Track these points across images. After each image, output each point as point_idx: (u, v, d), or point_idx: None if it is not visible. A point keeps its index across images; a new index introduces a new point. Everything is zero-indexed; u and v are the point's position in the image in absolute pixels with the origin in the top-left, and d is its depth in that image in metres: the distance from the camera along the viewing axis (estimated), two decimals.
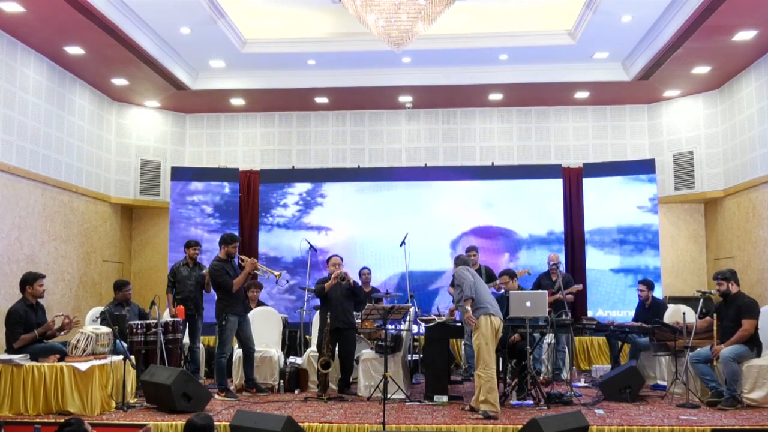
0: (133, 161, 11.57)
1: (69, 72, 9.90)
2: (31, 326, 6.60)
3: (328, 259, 7.94)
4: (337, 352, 7.58)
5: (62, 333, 6.89)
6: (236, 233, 10.35)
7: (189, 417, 4.40)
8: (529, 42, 9.70)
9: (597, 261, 10.87)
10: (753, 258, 9.76)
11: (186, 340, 8.25)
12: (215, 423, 5.73)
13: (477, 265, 8.81)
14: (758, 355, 6.81)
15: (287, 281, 10.76)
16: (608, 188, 10.95)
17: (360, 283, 9.36)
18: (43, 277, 6.91)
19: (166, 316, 8.01)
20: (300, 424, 5.36)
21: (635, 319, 8.36)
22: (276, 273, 7.69)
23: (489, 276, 8.71)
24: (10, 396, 6.24)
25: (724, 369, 6.64)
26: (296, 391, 7.64)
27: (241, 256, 7.62)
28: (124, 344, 6.94)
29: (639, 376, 7.13)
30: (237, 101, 11.56)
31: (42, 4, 7.64)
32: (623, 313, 10.34)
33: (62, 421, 4.22)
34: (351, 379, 7.72)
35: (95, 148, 10.80)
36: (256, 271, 7.61)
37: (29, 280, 6.78)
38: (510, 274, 7.80)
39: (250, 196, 11.74)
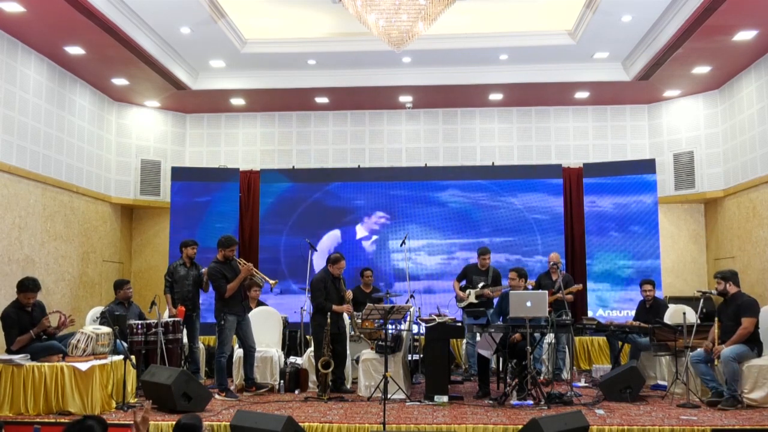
0: (134, 161, 11.57)
1: (69, 72, 9.90)
2: (25, 327, 6.59)
3: (335, 260, 7.65)
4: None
5: (61, 330, 6.89)
6: (234, 234, 10.36)
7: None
8: (529, 42, 9.71)
9: (597, 261, 10.86)
10: (753, 258, 9.76)
11: (185, 340, 8.25)
12: (216, 423, 5.75)
13: (486, 266, 8.82)
14: (759, 355, 6.81)
15: (281, 291, 10.75)
16: (608, 188, 10.95)
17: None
18: (34, 290, 6.69)
19: (166, 316, 8.01)
20: (300, 424, 5.35)
21: (636, 319, 8.35)
22: (271, 281, 7.70)
23: (495, 279, 8.71)
24: (10, 396, 6.24)
25: (724, 369, 6.64)
26: (296, 391, 7.64)
27: (240, 260, 7.61)
28: (124, 344, 6.94)
29: (639, 376, 7.13)
30: (237, 101, 11.56)
31: (42, 4, 7.65)
32: (623, 313, 10.34)
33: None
34: (353, 379, 7.72)
35: (95, 148, 10.81)
36: (251, 277, 7.61)
37: (19, 288, 6.69)
38: (519, 272, 7.74)
39: (250, 196, 11.74)
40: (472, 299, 8.63)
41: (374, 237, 11.17)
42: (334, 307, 7.45)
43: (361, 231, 11.28)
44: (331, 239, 11.26)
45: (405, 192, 11.31)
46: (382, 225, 11.26)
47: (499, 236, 11.07)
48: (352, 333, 8.13)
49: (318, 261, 10.09)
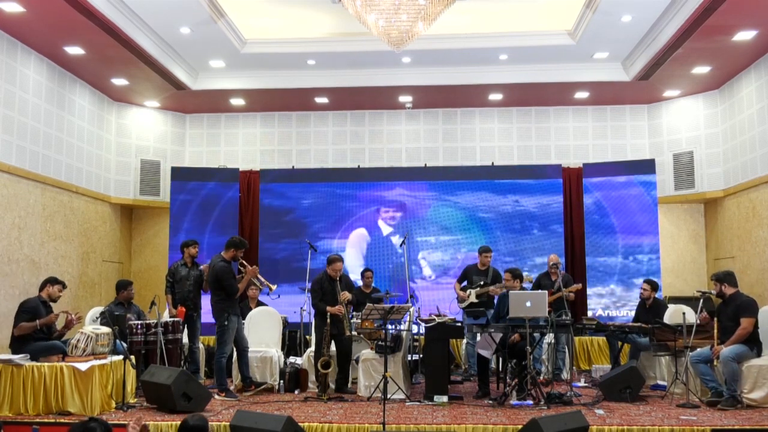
0: (133, 161, 11.57)
1: (69, 72, 9.90)
2: (37, 318, 6.61)
3: (330, 261, 7.70)
4: (334, 351, 7.60)
5: (68, 330, 6.91)
6: (237, 235, 10.34)
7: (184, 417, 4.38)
8: (529, 42, 9.71)
9: (597, 261, 10.86)
10: (753, 258, 9.76)
11: (185, 340, 8.24)
12: (216, 423, 5.75)
13: (487, 266, 8.82)
14: (758, 354, 6.81)
15: (279, 296, 10.73)
16: (608, 188, 10.95)
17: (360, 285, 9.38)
18: (64, 286, 7.04)
19: (166, 317, 8.00)
20: (300, 424, 5.35)
21: (635, 319, 8.36)
22: (272, 286, 7.72)
23: (495, 278, 8.70)
24: (10, 396, 6.23)
25: (724, 369, 6.64)
26: (296, 391, 7.64)
27: (243, 262, 7.62)
28: (124, 344, 6.94)
29: (639, 376, 7.13)
30: (237, 101, 11.56)
31: (42, 4, 7.65)
32: (623, 313, 10.35)
33: (63, 421, 4.21)
34: (352, 379, 7.72)
35: (95, 148, 10.81)
36: (253, 279, 7.65)
37: (50, 281, 6.92)
38: (514, 273, 7.75)
39: (250, 196, 11.74)
40: (473, 299, 8.63)
41: (397, 236, 10.98)
42: (327, 308, 7.46)
43: (385, 227, 11.21)
44: (358, 238, 11.18)
45: (409, 192, 11.33)
46: (399, 219, 11.24)
47: (499, 236, 11.06)
48: (354, 333, 8.14)
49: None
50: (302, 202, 11.37)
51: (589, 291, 10.73)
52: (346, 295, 7.54)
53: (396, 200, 11.27)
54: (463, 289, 8.87)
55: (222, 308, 7.32)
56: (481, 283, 8.67)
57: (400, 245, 10.00)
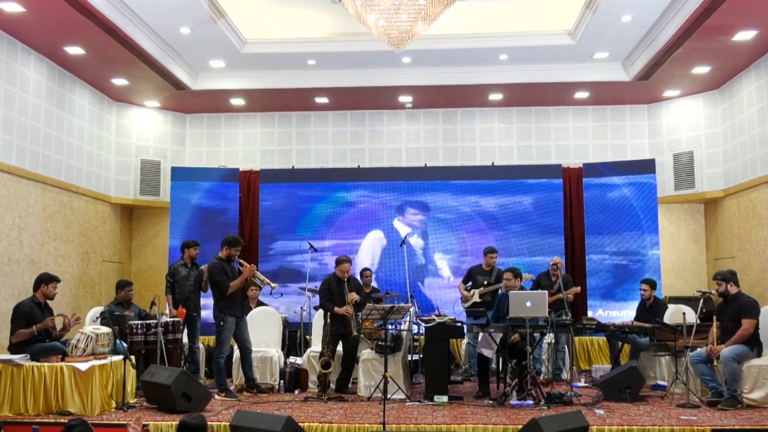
0: (133, 161, 11.57)
1: (69, 72, 9.90)
2: (33, 323, 6.59)
3: (337, 263, 7.70)
4: (340, 350, 7.59)
5: (66, 332, 6.90)
6: (236, 234, 10.34)
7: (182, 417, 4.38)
8: (529, 42, 9.71)
9: (597, 261, 10.85)
10: (753, 258, 9.76)
11: (185, 340, 8.24)
12: (216, 423, 5.75)
13: (492, 266, 8.82)
14: (758, 355, 6.80)
15: (282, 294, 10.71)
16: (608, 188, 10.94)
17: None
18: (58, 281, 6.97)
19: (166, 316, 7.99)
20: (300, 424, 5.35)
21: (636, 318, 8.35)
22: (272, 284, 7.72)
23: (498, 279, 8.70)
24: (10, 396, 6.23)
25: (724, 369, 6.64)
26: (296, 391, 7.64)
27: (241, 260, 7.62)
28: (124, 344, 6.94)
29: (639, 376, 7.13)
30: (237, 101, 11.56)
31: (42, 4, 7.65)
32: (623, 313, 10.34)
33: (63, 421, 4.22)
34: (353, 379, 7.72)
35: (95, 148, 10.81)
36: (252, 278, 7.63)
37: (44, 280, 6.82)
38: (515, 272, 7.76)
39: (250, 196, 11.74)
40: (476, 299, 8.64)
41: (415, 235, 10.86)
42: (335, 308, 7.47)
43: (403, 228, 11.12)
44: (374, 240, 11.10)
45: (408, 192, 11.33)
46: (420, 222, 11.18)
47: (499, 237, 11.05)
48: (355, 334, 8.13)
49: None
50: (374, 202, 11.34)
51: (588, 290, 10.73)
52: (353, 296, 7.54)
53: (392, 202, 11.25)
54: (468, 290, 8.88)
55: (219, 308, 7.33)
56: (485, 282, 8.68)
57: (400, 245, 10.00)
